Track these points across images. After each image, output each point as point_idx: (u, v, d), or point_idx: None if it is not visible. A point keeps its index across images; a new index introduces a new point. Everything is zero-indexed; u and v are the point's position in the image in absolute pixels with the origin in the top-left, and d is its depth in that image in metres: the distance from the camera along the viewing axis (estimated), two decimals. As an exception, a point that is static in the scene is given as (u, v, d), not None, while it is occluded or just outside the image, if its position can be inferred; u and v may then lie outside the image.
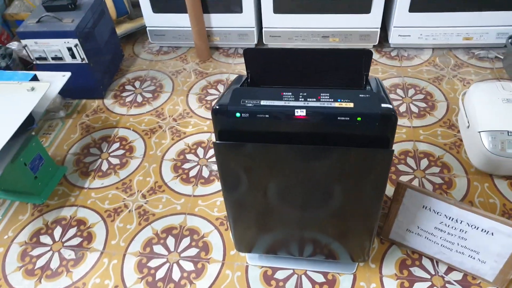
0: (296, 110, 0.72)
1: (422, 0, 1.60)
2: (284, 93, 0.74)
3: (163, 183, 1.35)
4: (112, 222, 1.25)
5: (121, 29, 1.98)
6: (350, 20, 1.71)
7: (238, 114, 0.74)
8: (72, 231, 1.23)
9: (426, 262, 1.06)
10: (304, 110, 0.71)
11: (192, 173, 1.37)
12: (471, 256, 0.99)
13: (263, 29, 1.81)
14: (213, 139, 1.48)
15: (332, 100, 0.72)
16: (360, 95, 0.72)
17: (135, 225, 1.23)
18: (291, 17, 1.75)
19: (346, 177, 0.80)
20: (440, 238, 1.01)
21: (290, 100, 0.73)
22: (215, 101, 0.77)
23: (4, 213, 1.30)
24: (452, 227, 0.97)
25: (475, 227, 0.94)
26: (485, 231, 0.93)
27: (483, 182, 1.22)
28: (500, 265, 0.95)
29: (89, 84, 1.63)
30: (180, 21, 1.83)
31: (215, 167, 1.38)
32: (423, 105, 1.52)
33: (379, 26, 1.71)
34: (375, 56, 1.79)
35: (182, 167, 1.40)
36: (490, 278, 0.99)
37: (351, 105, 0.71)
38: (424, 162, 1.31)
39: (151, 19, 1.86)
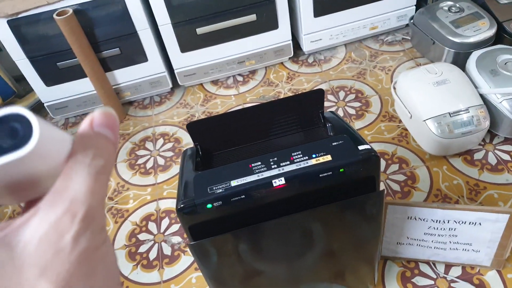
0: (273, 181, 0.62)
1: (323, 4, 1.60)
2: (252, 165, 0.64)
3: (124, 279, 1.16)
4: None
5: (12, 113, 1.70)
6: (260, 39, 1.66)
7: (209, 205, 0.62)
8: None
9: (424, 267, 1.04)
10: (283, 178, 0.62)
11: (152, 255, 1.20)
12: (465, 249, 0.98)
13: (175, 71, 1.69)
14: (161, 207, 1.32)
15: (307, 157, 0.64)
16: (333, 143, 0.65)
17: None
18: (201, 52, 1.65)
19: (339, 229, 0.73)
20: (432, 241, 0.99)
21: (262, 171, 0.63)
22: (177, 197, 0.64)
23: None
24: (441, 229, 0.95)
25: (462, 222, 0.93)
26: (472, 223, 0.92)
27: (441, 166, 1.24)
28: (494, 249, 0.96)
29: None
30: (81, 87, 1.63)
31: (175, 239, 1.23)
32: (358, 104, 1.52)
33: (290, 38, 1.69)
34: (294, 67, 1.76)
35: (139, 251, 1.22)
36: (487, 263, 0.99)
37: (328, 157, 0.63)
38: (382, 163, 1.29)
39: (47, 94, 1.63)
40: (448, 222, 0.94)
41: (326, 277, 0.88)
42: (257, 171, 0.63)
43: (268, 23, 1.62)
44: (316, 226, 0.70)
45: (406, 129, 1.37)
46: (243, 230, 0.65)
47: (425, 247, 1.01)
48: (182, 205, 0.62)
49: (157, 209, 1.32)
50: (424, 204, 0.93)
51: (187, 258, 1.17)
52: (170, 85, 1.74)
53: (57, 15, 1.38)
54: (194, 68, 1.70)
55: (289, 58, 1.79)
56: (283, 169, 0.63)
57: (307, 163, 0.63)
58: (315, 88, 1.63)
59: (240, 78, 1.78)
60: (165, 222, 1.27)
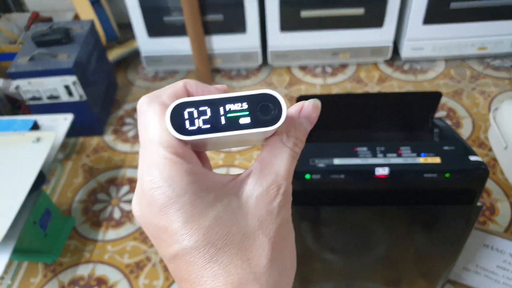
0: (376, 169, 0.62)
1: (438, 12, 1.54)
2: (358, 149, 0.65)
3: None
4: (136, 279, 1.13)
5: (112, 55, 1.84)
6: (361, 35, 1.64)
7: (308, 176, 0.64)
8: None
9: (486, 301, 0.99)
10: (387, 168, 0.62)
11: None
12: (539, 295, 0.92)
13: (269, 50, 1.72)
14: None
15: (415, 154, 0.63)
16: (445, 148, 0.63)
17: (163, 281, 1.12)
18: (299, 34, 1.66)
19: (423, 234, 0.72)
20: (503, 276, 0.94)
21: (367, 157, 0.64)
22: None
23: (13, 277, 1.15)
24: (519, 267, 0.90)
25: (545, 266, 0.87)
26: (557, 270, 0.87)
27: (527, 206, 1.17)
28: None
29: (89, 121, 1.49)
30: (179, 45, 1.71)
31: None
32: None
33: (393, 40, 1.65)
34: (388, 70, 1.72)
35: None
36: (560, 316, 0.93)
37: (437, 160, 0.62)
38: (461, 186, 1.24)
39: (147, 45, 1.73)
40: (528, 262, 0.89)
41: (382, 281, 0.88)
42: (362, 156, 0.64)
43: (374, 20, 1.59)
44: (403, 225, 0.70)
45: (495, 159, 1.30)
46: (330, 208, 0.67)
47: (493, 280, 0.96)
48: (282, 169, 0.65)
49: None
50: (507, 235, 0.88)
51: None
52: (260, 62, 1.77)
53: (179, -28, 1.46)
54: (287, 50, 1.72)
55: (384, 60, 1.75)
56: (388, 160, 0.63)
57: (414, 160, 0.62)
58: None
59: (329, 70, 1.78)
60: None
